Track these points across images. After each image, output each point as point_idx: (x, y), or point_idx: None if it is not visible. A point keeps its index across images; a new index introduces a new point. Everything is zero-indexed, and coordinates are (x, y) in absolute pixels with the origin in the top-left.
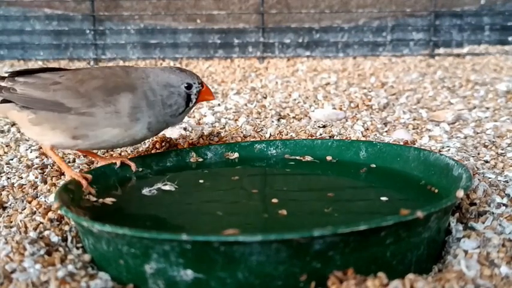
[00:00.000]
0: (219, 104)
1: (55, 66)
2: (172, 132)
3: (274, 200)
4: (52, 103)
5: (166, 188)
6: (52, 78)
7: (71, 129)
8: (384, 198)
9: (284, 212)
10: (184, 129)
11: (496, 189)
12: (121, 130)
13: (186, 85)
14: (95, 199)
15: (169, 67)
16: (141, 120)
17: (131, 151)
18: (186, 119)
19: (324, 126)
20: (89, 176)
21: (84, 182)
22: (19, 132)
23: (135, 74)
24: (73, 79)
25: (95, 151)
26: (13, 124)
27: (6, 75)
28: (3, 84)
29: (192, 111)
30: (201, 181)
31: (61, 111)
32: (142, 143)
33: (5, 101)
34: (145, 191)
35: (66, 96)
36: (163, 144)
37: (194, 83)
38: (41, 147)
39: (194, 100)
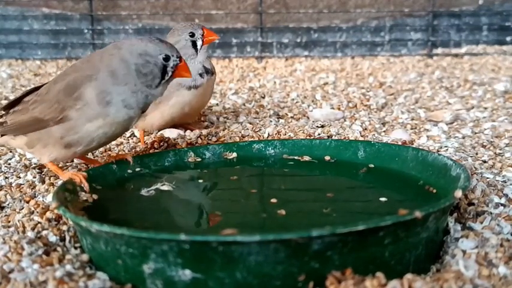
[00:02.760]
0: (217, 104)
1: (42, 84)
2: (171, 133)
3: (273, 200)
4: (33, 122)
5: (165, 188)
6: (30, 99)
7: (59, 140)
8: (382, 198)
9: (283, 212)
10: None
11: (494, 189)
12: (99, 120)
13: (164, 56)
14: (92, 199)
15: (150, 37)
16: (112, 101)
17: (128, 150)
18: None
19: (322, 126)
20: (129, 159)
21: (78, 179)
22: None
23: (100, 55)
24: (43, 90)
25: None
26: None
27: (3, 112)
28: (0, 120)
29: None
30: (199, 181)
31: (43, 126)
32: (141, 143)
33: (3, 134)
34: (144, 192)
35: (41, 110)
36: (161, 144)
37: (172, 56)
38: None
39: (170, 73)
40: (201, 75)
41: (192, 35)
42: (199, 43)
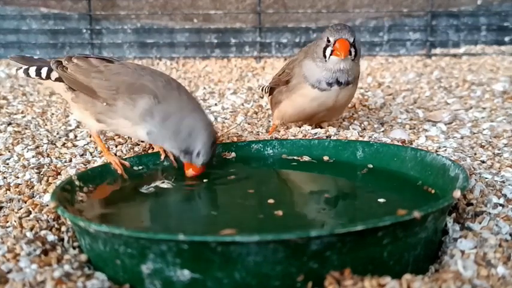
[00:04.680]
0: (215, 104)
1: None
2: None
3: (271, 201)
4: (87, 88)
5: (164, 185)
6: (97, 66)
7: (96, 114)
8: (380, 199)
9: (280, 212)
10: None
11: (493, 189)
12: (129, 123)
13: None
14: (90, 198)
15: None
16: (147, 123)
17: (126, 151)
18: None
19: (320, 127)
20: (127, 164)
21: (119, 169)
22: (15, 131)
23: (165, 92)
24: (112, 71)
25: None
26: (9, 123)
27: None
28: (62, 60)
29: None
30: (197, 181)
31: (92, 97)
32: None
33: (59, 79)
34: (143, 189)
35: (99, 85)
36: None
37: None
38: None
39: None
40: (329, 83)
41: (328, 40)
42: (328, 51)
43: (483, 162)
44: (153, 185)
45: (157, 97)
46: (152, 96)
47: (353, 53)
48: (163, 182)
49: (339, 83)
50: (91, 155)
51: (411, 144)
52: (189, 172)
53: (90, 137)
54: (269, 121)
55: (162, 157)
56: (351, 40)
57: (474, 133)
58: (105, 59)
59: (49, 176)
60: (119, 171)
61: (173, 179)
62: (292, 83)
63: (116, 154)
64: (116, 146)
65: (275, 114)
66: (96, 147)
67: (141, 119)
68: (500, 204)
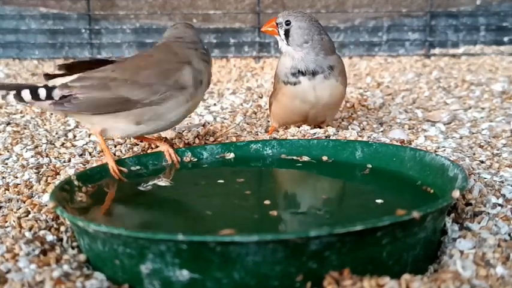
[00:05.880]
0: (214, 104)
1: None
2: (167, 132)
3: (267, 202)
4: (117, 100)
5: (162, 183)
6: (106, 75)
7: (135, 117)
8: (379, 199)
9: (275, 213)
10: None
11: (492, 189)
12: (187, 103)
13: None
14: (89, 198)
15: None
16: (202, 81)
17: (125, 151)
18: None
19: (319, 127)
20: (124, 170)
21: (116, 175)
22: (14, 131)
23: (180, 47)
24: (126, 71)
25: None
26: (8, 123)
27: (47, 82)
28: (60, 92)
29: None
30: (195, 181)
31: (127, 108)
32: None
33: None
34: (141, 187)
35: (128, 90)
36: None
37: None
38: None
39: None
40: (293, 74)
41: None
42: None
43: (482, 162)
44: (150, 183)
45: (190, 62)
46: (186, 64)
47: (282, 35)
48: (161, 180)
49: (302, 73)
50: (90, 155)
51: (410, 144)
52: None
53: (89, 136)
54: (268, 121)
55: (167, 156)
56: (282, 21)
57: (473, 133)
58: (91, 63)
59: (48, 176)
60: (116, 177)
61: (171, 178)
62: (275, 85)
63: (114, 154)
64: (115, 146)
65: (271, 117)
66: (95, 147)
67: (196, 85)
68: (499, 204)
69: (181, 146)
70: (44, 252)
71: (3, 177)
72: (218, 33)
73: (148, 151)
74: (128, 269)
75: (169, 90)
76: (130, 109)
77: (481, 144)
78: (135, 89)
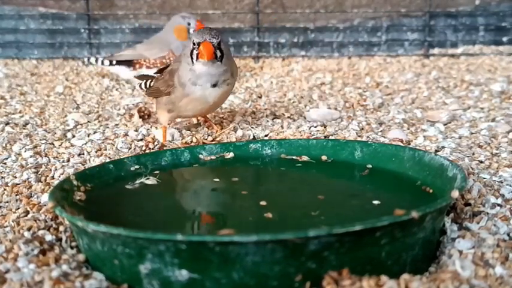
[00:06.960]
0: None
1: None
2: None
3: (263, 202)
4: (156, 90)
5: (149, 182)
6: (163, 75)
7: (164, 105)
8: (378, 199)
9: (269, 215)
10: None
11: (491, 189)
12: (186, 98)
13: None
14: (88, 198)
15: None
16: (186, 83)
17: (127, 150)
18: (180, 119)
19: (319, 126)
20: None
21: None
22: (14, 131)
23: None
24: (164, 74)
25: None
26: (7, 123)
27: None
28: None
29: None
30: (193, 181)
31: (160, 95)
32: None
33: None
34: (128, 185)
35: (160, 84)
36: (155, 143)
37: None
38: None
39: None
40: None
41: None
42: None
43: (481, 162)
44: (138, 181)
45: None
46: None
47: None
48: (147, 179)
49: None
50: (89, 154)
51: (409, 144)
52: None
53: (88, 136)
54: (267, 121)
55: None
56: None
57: (472, 133)
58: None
59: (47, 176)
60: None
61: (158, 176)
62: None
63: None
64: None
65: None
66: (94, 147)
67: (182, 86)
68: (498, 204)
69: (180, 146)
70: (43, 252)
71: (2, 177)
72: None
73: (147, 151)
74: (127, 269)
75: (175, 85)
76: (161, 96)
77: (480, 144)
78: (162, 85)
